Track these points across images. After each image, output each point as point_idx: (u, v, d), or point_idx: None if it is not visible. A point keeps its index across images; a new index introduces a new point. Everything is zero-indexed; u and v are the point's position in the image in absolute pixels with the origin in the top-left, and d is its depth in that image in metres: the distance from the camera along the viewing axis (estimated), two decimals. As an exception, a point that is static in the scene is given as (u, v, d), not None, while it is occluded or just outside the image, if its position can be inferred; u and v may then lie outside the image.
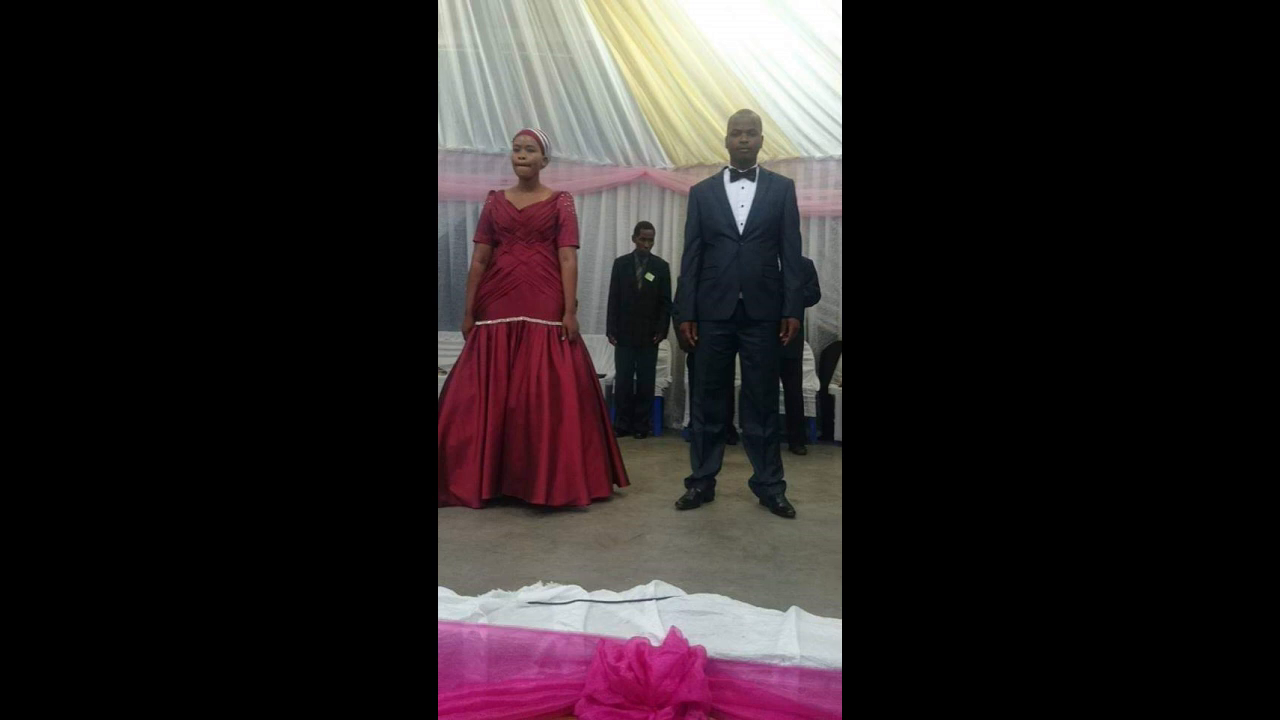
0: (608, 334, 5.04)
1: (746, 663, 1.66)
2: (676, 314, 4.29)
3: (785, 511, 3.07)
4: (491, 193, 3.38)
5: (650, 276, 4.87)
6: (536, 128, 4.25)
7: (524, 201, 3.27)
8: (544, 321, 3.22)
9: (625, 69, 4.85)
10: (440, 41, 4.65)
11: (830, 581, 2.25)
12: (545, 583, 2.05)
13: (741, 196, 3.06)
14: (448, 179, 5.35)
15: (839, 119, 4.83)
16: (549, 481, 3.02)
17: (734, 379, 3.31)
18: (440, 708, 1.55)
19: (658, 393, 5.13)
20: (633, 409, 5.01)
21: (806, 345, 4.97)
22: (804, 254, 3.73)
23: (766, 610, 1.90)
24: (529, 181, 3.29)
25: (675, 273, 4.64)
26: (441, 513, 2.92)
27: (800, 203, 3.24)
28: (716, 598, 1.98)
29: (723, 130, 3.68)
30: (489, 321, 3.23)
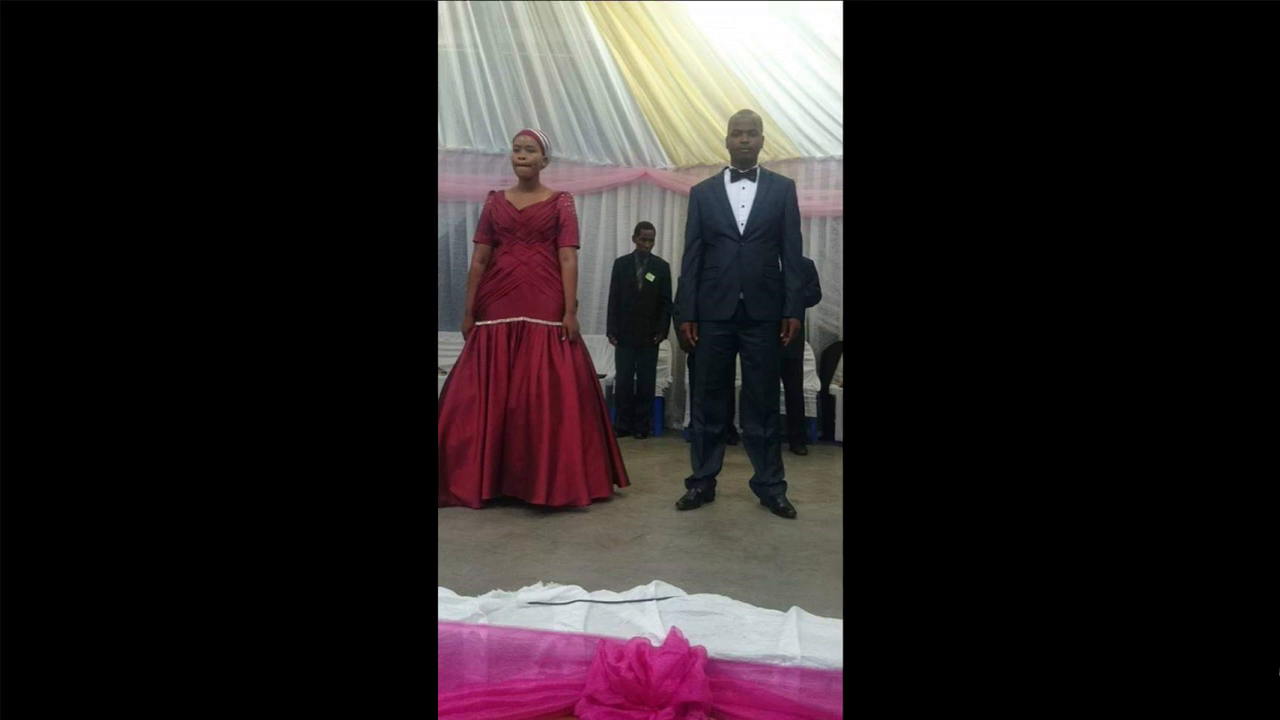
0: (608, 334, 5.04)
1: (747, 663, 1.66)
2: (677, 314, 4.29)
3: (786, 512, 3.07)
4: (491, 193, 3.38)
5: (650, 277, 4.86)
6: (536, 128, 4.24)
7: (524, 202, 3.27)
8: (544, 322, 3.21)
9: (625, 69, 4.85)
10: (440, 41, 4.65)
11: (831, 582, 2.24)
12: (545, 583, 2.04)
13: (742, 197, 3.06)
14: (448, 179, 5.35)
15: (839, 119, 4.82)
16: (549, 482, 3.02)
17: (734, 379, 3.31)
18: (440, 708, 1.55)
19: (658, 393, 5.13)
20: (633, 409, 5.01)
21: (807, 345, 4.97)
22: (805, 254, 3.72)
23: (767, 610, 1.90)
24: (529, 182, 3.28)
25: (676, 273, 4.64)
26: (441, 513, 2.91)
27: (801, 203, 3.23)
28: (717, 598, 1.98)
29: (723, 130, 3.68)
30: (489, 322, 3.23)
